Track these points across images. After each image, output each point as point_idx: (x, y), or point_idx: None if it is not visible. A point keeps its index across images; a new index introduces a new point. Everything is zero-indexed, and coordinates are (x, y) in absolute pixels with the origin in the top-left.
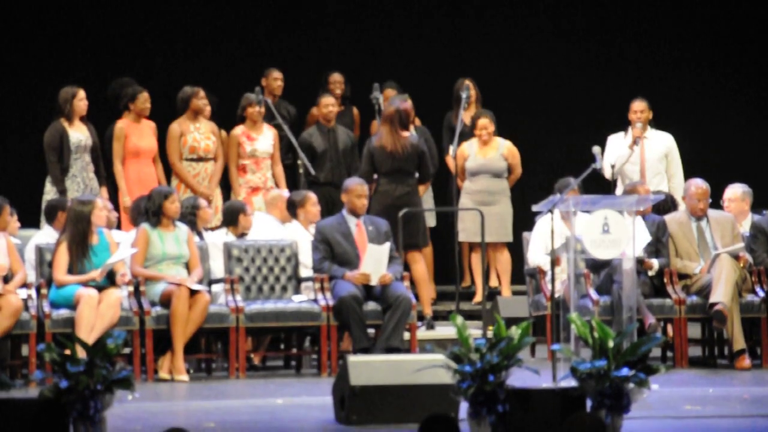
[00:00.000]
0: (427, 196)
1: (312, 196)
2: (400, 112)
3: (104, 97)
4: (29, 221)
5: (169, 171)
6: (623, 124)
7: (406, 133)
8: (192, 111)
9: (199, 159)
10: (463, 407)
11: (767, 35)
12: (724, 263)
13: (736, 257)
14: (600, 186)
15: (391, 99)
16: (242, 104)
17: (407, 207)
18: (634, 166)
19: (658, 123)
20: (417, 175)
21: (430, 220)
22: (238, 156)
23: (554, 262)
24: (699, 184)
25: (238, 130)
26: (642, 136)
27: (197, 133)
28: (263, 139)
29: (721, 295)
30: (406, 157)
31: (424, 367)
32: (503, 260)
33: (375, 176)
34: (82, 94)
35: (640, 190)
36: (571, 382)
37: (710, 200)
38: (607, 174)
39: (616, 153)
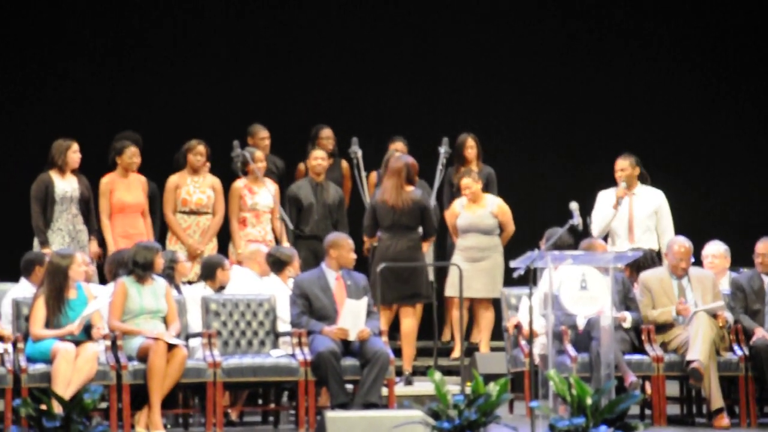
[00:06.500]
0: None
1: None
2: (409, 167)
3: (107, 149)
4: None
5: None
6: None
7: (410, 188)
8: (189, 166)
9: (191, 212)
10: None
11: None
12: (701, 321)
13: (714, 316)
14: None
15: (390, 153)
16: (243, 160)
17: (409, 261)
18: (622, 222)
19: (652, 178)
20: (420, 230)
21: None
22: (239, 209)
23: (530, 324)
24: (682, 243)
25: (240, 182)
26: (628, 193)
27: (193, 186)
28: (264, 193)
29: (698, 352)
30: (408, 211)
31: (402, 423)
32: (488, 316)
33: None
34: (75, 146)
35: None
36: None
37: (693, 259)
38: (595, 232)
39: (602, 212)
